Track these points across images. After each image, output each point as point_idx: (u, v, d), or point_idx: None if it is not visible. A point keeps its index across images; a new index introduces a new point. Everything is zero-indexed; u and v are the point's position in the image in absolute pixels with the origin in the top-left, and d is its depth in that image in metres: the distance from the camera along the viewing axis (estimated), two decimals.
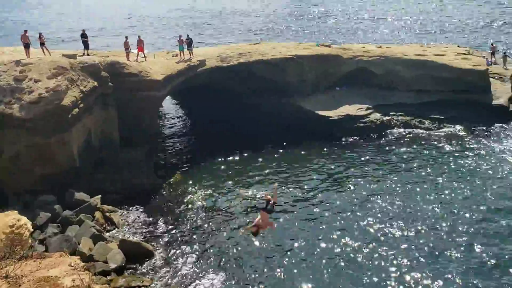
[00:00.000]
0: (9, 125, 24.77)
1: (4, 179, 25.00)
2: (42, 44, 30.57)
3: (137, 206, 25.74)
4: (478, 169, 27.64)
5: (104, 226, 23.92)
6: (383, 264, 20.04)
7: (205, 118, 37.31)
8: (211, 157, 31.43)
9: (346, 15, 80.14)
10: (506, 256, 20.06)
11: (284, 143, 32.55)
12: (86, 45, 32.37)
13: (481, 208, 23.76)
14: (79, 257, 19.41)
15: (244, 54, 36.95)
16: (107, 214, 24.54)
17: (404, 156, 30.14)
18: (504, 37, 61.18)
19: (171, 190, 27.55)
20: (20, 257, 17.75)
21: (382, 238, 21.91)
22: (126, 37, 33.58)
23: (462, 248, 20.78)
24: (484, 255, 20.26)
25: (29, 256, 18.01)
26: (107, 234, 23.27)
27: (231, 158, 31.31)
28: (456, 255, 20.35)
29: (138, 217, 24.93)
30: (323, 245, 21.57)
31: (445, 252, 20.58)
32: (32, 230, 21.56)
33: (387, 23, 70.96)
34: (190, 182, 28.30)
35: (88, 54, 32.02)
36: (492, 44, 44.31)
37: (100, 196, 25.22)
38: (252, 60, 36.12)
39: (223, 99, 37.18)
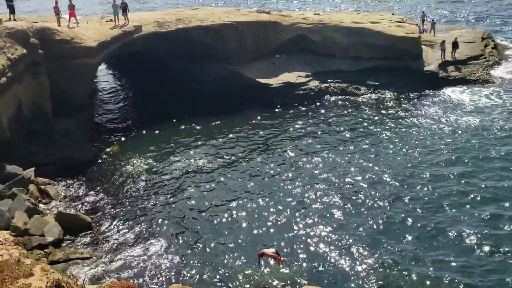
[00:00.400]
0: None
1: None
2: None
3: (74, 178, 25.05)
4: (408, 133, 28.87)
5: (39, 199, 23.14)
6: (308, 226, 20.80)
7: (142, 86, 36.47)
8: (149, 125, 30.89)
9: None
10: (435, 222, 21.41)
11: (224, 111, 32.50)
12: (11, 9, 30.24)
13: (407, 171, 24.80)
14: (9, 231, 18.78)
15: (183, 20, 36.12)
16: (42, 186, 23.73)
17: (339, 122, 30.96)
18: (434, 5, 63.49)
19: (109, 160, 27.00)
20: None
21: (307, 201, 22.58)
22: (56, 1, 31.76)
23: (382, 212, 21.85)
24: (401, 217, 21.25)
25: None
26: (43, 207, 22.54)
27: (169, 126, 30.94)
28: (379, 221, 21.14)
29: (75, 189, 24.31)
30: (254, 206, 22.11)
31: (366, 218, 21.18)
32: None
33: None
34: (129, 151, 27.86)
35: (15, 19, 29.98)
36: (423, 12, 46.56)
37: (33, 168, 24.25)
38: (191, 26, 35.40)
39: (160, 66, 36.40)
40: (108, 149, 28.00)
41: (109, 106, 34.98)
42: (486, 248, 18.72)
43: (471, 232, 19.60)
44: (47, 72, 28.05)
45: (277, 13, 42.13)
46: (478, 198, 22.00)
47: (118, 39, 31.98)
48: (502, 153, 25.85)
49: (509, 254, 18.36)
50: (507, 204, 21.45)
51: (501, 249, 18.63)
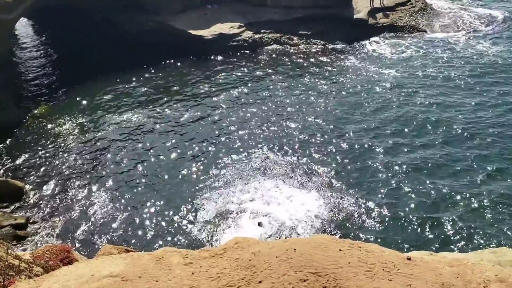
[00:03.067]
0: None
1: None
2: None
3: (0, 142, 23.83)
4: (335, 84, 29.49)
5: None
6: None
7: (66, 41, 34.46)
8: (76, 83, 29.39)
9: None
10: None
11: (154, 65, 31.64)
12: None
13: (332, 117, 25.88)
14: None
15: None
16: None
17: (270, 73, 31.07)
18: None
19: (36, 122, 25.77)
20: None
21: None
22: None
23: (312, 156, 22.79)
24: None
25: None
26: None
27: (98, 82, 29.57)
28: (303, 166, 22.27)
29: (2, 153, 23.15)
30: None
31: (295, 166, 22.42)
32: None
33: None
34: (57, 111, 26.69)
35: None
36: None
37: None
38: None
39: (84, 19, 34.39)
40: (35, 111, 26.64)
41: (32, 63, 32.91)
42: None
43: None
44: None
45: None
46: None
47: None
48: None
49: None
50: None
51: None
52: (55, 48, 35.08)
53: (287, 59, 32.90)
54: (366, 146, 23.16)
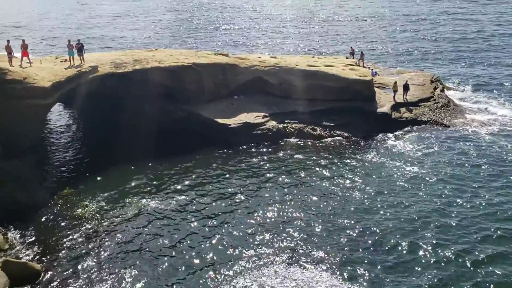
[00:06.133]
0: None
1: None
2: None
3: (23, 223, 23.92)
4: (357, 176, 29.16)
5: None
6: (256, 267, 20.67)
7: (97, 127, 35.70)
8: (102, 168, 29.98)
9: (242, 27, 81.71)
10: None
11: (181, 152, 32.18)
12: None
13: (355, 209, 25.33)
14: None
15: (140, 61, 36.09)
16: None
17: (294, 163, 31.14)
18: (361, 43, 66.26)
19: (60, 204, 25.99)
20: None
21: (256, 242, 22.70)
22: (8, 40, 31.10)
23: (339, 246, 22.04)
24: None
25: None
26: None
27: (123, 167, 30.15)
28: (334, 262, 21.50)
29: (24, 235, 23.13)
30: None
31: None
32: None
33: (282, 35, 73.55)
34: (82, 195, 26.93)
35: None
36: (351, 47, 50.26)
37: None
38: (148, 67, 35.38)
39: (117, 106, 35.83)
40: (60, 193, 26.96)
41: (62, 147, 33.88)
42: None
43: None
44: None
45: (235, 55, 42.82)
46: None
47: (72, 80, 31.46)
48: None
49: None
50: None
51: None
52: (85, 133, 36.30)
53: (309, 150, 32.99)
54: (391, 242, 22.42)
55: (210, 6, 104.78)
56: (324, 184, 28.20)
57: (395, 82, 38.89)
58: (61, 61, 34.27)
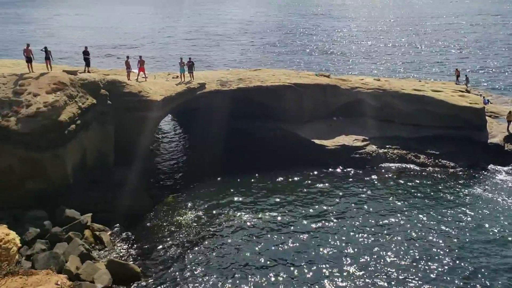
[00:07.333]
0: (4, 138, 24.69)
1: None
2: (47, 58, 30.20)
3: (128, 226, 25.57)
4: (468, 211, 27.28)
5: (93, 245, 23.66)
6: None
7: (201, 140, 37.35)
8: (204, 179, 31.39)
9: (345, 49, 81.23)
10: None
11: (277, 170, 32.48)
12: (87, 62, 32.51)
13: (456, 249, 23.62)
14: (66, 275, 19.12)
15: (244, 80, 37.30)
16: (97, 232, 24.31)
17: (397, 191, 29.92)
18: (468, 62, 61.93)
19: (163, 211, 27.42)
20: (6, 273, 17.47)
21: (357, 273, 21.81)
22: (128, 56, 33.83)
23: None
24: None
25: (16, 273, 17.73)
26: (95, 253, 23.01)
27: (224, 181, 31.24)
28: None
29: (128, 237, 24.71)
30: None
31: None
32: (20, 245, 21.26)
33: (386, 56, 71.84)
34: (182, 204, 28.26)
35: (89, 71, 32.18)
36: (456, 69, 47.83)
37: (90, 214, 25.06)
38: (251, 86, 36.44)
39: (220, 122, 37.22)
40: (163, 200, 28.51)
41: (167, 157, 35.91)
42: None
43: None
44: (113, 122, 29.43)
45: (337, 77, 42.58)
46: None
47: (182, 95, 33.33)
48: None
49: None
50: None
51: None
52: (189, 145, 38.13)
53: (411, 179, 31.47)
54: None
55: (315, 29, 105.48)
56: (421, 216, 26.66)
57: (510, 112, 36.01)
58: (172, 77, 36.53)
